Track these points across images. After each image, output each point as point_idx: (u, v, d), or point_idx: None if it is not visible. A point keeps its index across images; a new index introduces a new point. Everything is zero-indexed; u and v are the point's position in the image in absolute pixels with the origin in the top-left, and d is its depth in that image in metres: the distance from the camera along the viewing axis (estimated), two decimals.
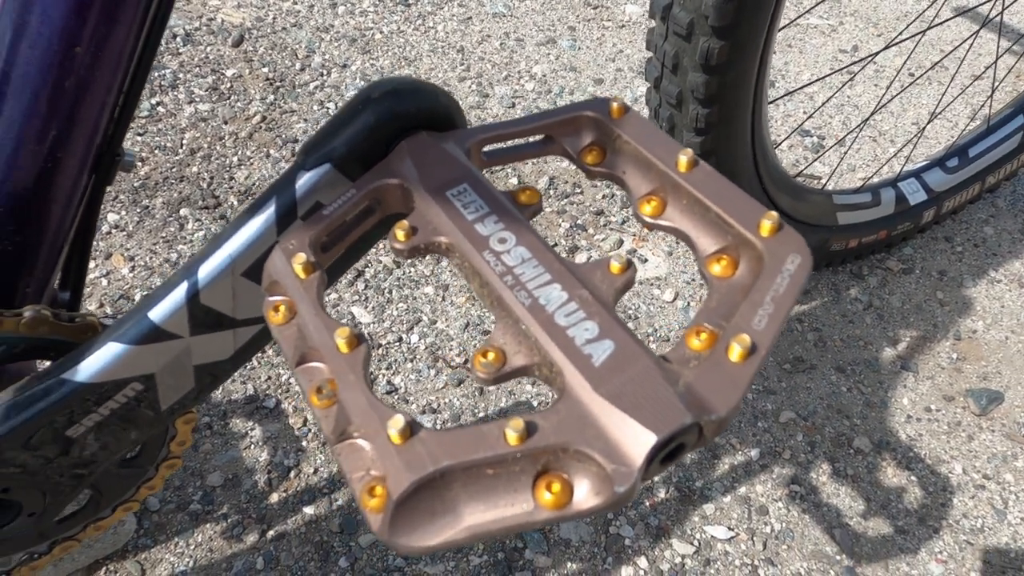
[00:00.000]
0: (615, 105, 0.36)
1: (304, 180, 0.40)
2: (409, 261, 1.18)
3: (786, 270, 0.27)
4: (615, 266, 0.30)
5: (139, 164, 1.30)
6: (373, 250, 1.19)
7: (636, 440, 0.24)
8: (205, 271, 0.41)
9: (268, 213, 0.40)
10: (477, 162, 0.38)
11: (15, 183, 0.41)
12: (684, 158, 0.33)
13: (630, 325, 1.01)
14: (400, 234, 0.33)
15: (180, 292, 0.41)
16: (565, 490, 0.24)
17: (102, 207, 0.47)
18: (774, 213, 0.29)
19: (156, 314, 0.41)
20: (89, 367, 0.41)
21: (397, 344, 1.06)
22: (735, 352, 0.25)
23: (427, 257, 1.19)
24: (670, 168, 0.33)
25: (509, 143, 0.39)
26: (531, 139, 0.40)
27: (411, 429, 0.26)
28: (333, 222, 0.35)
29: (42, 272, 0.45)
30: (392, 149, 0.39)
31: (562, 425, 0.25)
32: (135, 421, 0.43)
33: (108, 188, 0.44)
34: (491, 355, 0.29)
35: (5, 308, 0.42)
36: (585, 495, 0.24)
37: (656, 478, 0.93)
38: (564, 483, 0.25)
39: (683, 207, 0.33)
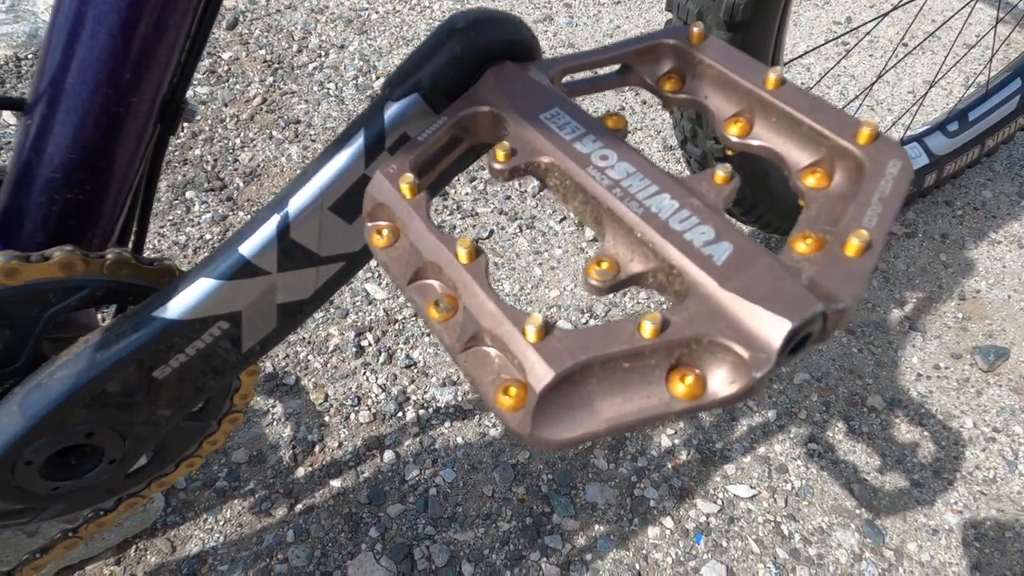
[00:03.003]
0: (695, 30, 0.37)
1: (392, 111, 0.40)
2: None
3: (889, 173, 0.28)
4: (720, 176, 0.31)
5: None
6: None
7: (771, 327, 0.24)
8: (295, 204, 0.41)
9: (356, 145, 0.40)
10: (559, 91, 0.38)
11: (88, 129, 0.40)
12: (773, 76, 0.34)
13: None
14: (500, 155, 0.34)
15: (271, 226, 0.41)
16: (698, 382, 0.25)
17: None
18: (872, 121, 0.30)
19: (247, 248, 0.41)
20: (180, 304, 0.41)
21: (414, 319, 1.07)
22: (852, 247, 0.26)
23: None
24: (758, 87, 0.34)
25: (588, 74, 0.40)
26: (609, 70, 0.40)
27: (547, 328, 0.27)
28: (426, 150, 0.35)
29: (107, 223, 0.45)
30: (476, 78, 0.39)
31: (694, 319, 0.26)
32: (218, 363, 0.43)
33: (171, 138, 0.44)
34: (605, 264, 0.29)
35: None
36: (721, 384, 0.25)
37: (677, 441, 0.95)
38: (697, 376, 0.25)
39: (772, 124, 0.33)
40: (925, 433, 0.98)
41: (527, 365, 0.26)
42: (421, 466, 0.91)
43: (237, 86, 1.43)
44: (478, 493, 0.89)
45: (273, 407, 0.96)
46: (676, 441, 0.95)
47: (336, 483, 0.89)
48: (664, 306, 1.11)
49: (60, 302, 0.40)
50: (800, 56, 1.26)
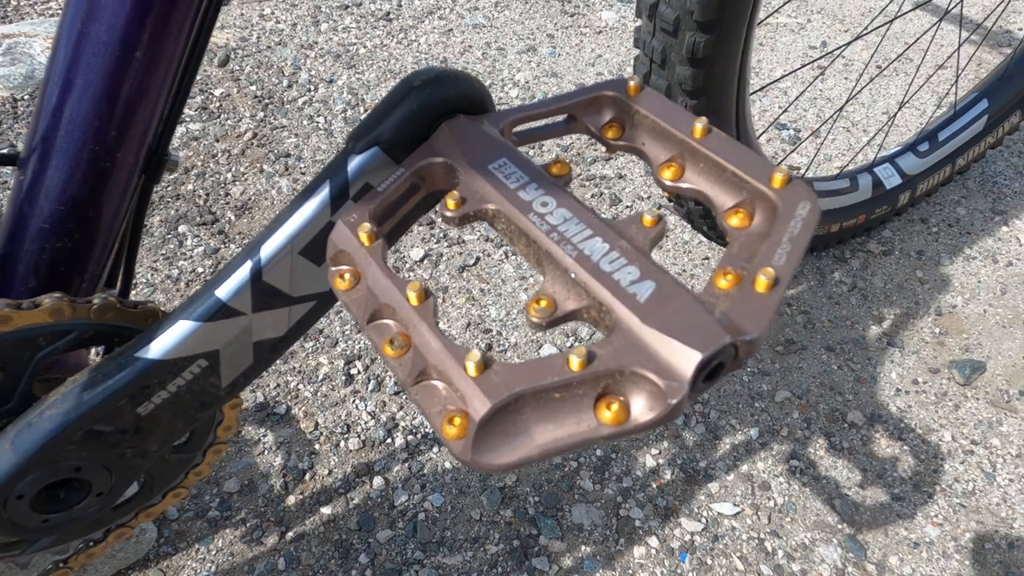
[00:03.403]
0: (632, 83, 0.40)
1: (355, 163, 0.43)
2: (458, 229, 1.21)
3: (799, 215, 0.31)
4: (647, 219, 0.34)
5: None
6: None
7: (684, 359, 0.27)
8: (267, 250, 0.44)
9: (323, 195, 0.43)
10: (509, 141, 0.41)
11: (76, 183, 0.44)
12: (699, 125, 0.37)
13: None
14: (451, 204, 0.37)
15: (245, 271, 0.44)
16: (623, 409, 0.28)
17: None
18: (784, 167, 0.33)
19: (223, 292, 0.44)
20: (161, 345, 0.43)
21: None
22: (761, 284, 0.29)
23: (424, 263, 1.21)
24: (687, 135, 0.37)
25: (537, 123, 0.43)
26: (556, 119, 0.43)
27: (486, 363, 0.29)
28: (386, 199, 0.38)
29: (95, 268, 0.47)
30: (432, 132, 0.42)
31: (618, 352, 0.28)
32: (199, 398, 0.46)
33: (155, 187, 0.47)
34: (543, 303, 0.32)
35: None
36: (642, 410, 0.28)
37: (662, 460, 0.96)
38: (621, 404, 0.28)
39: (700, 169, 0.36)
40: (905, 447, 1.00)
41: (467, 397, 0.28)
42: (410, 491, 0.92)
43: (228, 122, 1.47)
44: (466, 517, 0.90)
45: (264, 436, 0.98)
46: (661, 461, 0.97)
47: (326, 510, 0.90)
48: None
49: (49, 345, 0.43)
50: (777, 80, 1.30)
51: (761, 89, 1.42)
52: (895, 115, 1.24)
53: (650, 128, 0.39)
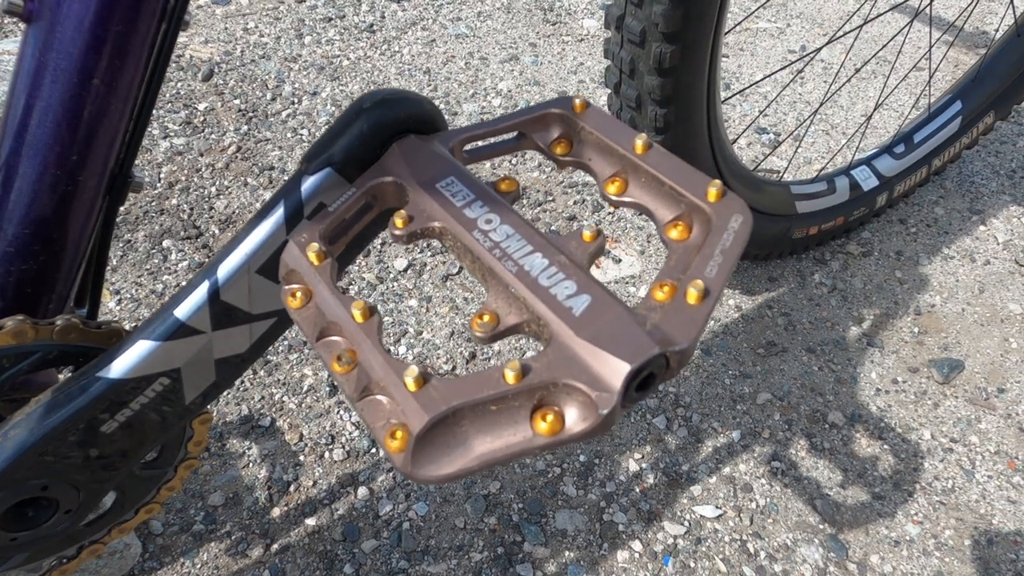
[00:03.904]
0: (577, 102, 0.41)
1: (308, 184, 0.44)
2: (409, 246, 1.22)
3: (731, 227, 0.32)
4: (587, 235, 0.35)
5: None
6: (356, 268, 1.22)
7: (614, 370, 0.28)
8: (224, 270, 0.44)
9: (278, 215, 0.44)
10: (460, 159, 0.42)
11: (40, 207, 0.44)
12: (640, 142, 0.38)
13: None
14: (399, 222, 0.38)
15: (202, 291, 0.45)
16: (558, 419, 0.29)
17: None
18: (717, 181, 0.34)
19: (181, 312, 0.44)
20: (122, 364, 0.44)
21: None
22: (692, 296, 0.30)
23: (407, 273, 1.22)
24: (629, 152, 0.38)
25: (487, 141, 0.44)
26: (506, 137, 0.44)
27: (424, 378, 0.30)
28: (337, 217, 0.39)
29: (62, 288, 0.48)
30: (384, 151, 0.43)
31: (552, 365, 0.29)
32: (162, 415, 0.47)
33: (120, 208, 0.48)
34: (486, 317, 0.33)
35: None
36: (575, 421, 0.28)
37: (644, 464, 0.97)
38: (556, 414, 0.29)
39: (642, 184, 0.37)
40: (885, 446, 1.01)
41: (407, 411, 0.29)
42: (394, 501, 0.93)
43: (212, 136, 1.47)
44: (450, 525, 0.91)
45: (249, 449, 0.98)
46: (643, 465, 0.98)
47: (311, 521, 0.91)
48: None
49: (13, 367, 0.44)
50: (755, 83, 1.31)
51: (740, 92, 1.43)
52: (869, 117, 1.26)
53: (595, 144, 0.40)
